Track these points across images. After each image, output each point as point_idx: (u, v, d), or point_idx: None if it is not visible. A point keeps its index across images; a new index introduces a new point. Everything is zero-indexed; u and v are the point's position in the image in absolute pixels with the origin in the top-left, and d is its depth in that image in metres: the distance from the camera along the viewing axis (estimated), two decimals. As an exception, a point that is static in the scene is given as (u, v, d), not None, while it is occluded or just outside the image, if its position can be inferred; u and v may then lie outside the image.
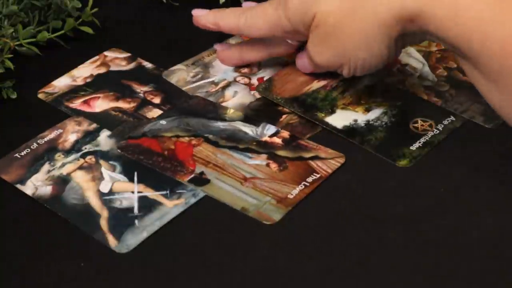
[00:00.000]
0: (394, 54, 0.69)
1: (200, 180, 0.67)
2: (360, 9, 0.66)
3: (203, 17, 0.75)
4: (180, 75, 0.77)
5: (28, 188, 0.67)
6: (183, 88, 0.76)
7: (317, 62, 0.71)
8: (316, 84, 0.75)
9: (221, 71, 0.78)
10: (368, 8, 0.66)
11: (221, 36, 0.81)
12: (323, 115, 0.72)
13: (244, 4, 0.77)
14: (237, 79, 0.77)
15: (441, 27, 0.63)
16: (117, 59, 0.80)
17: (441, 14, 0.63)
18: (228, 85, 0.76)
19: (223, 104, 0.74)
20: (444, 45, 0.65)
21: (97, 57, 0.80)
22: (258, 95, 0.75)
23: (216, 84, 0.76)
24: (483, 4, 0.62)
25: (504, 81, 0.62)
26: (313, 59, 0.71)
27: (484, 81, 0.64)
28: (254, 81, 0.77)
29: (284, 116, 0.73)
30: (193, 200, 0.66)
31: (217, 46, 0.78)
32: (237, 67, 0.78)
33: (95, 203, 0.66)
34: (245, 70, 0.78)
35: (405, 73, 0.76)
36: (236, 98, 0.75)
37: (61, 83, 0.77)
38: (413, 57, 0.78)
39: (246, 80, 0.77)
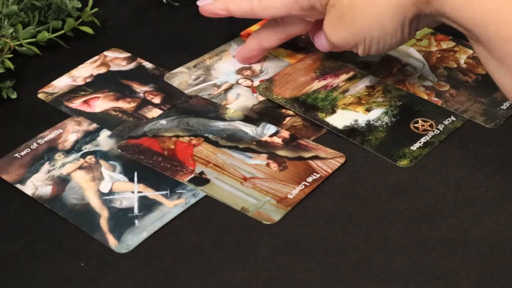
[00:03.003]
0: (409, 36, 0.69)
1: (200, 180, 0.67)
2: None
3: (211, 4, 0.75)
4: (182, 78, 0.77)
5: (28, 188, 0.67)
6: (185, 91, 0.76)
7: (333, 41, 0.71)
8: (317, 84, 0.75)
9: (223, 73, 0.78)
10: None
11: (221, 36, 0.81)
12: (323, 115, 0.72)
13: None
14: (239, 81, 0.77)
15: (457, 10, 0.63)
16: (117, 59, 0.80)
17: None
18: (230, 87, 0.76)
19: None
20: (459, 28, 0.65)
21: (97, 57, 0.80)
22: (261, 98, 0.75)
23: (218, 86, 0.76)
24: None
25: None
26: (329, 38, 0.71)
27: (496, 65, 0.64)
28: (257, 83, 0.77)
29: (287, 119, 0.73)
30: (193, 200, 0.66)
31: (234, 52, 0.78)
32: (239, 70, 0.78)
33: (95, 203, 0.66)
34: (247, 72, 0.78)
35: (405, 73, 0.76)
36: (239, 101, 0.75)
37: (61, 83, 0.77)
38: (413, 57, 0.78)
39: (249, 82, 0.77)
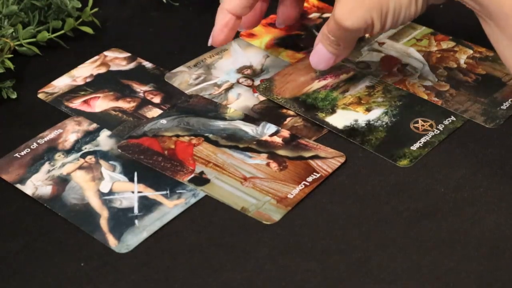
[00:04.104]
0: (421, 9, 0.68)
1: (200, 180, 0.67)
2: None
3: (214, 28, 0.74)
4: (183, 77, 0.77)
5: (28, 188, 0.67)
6: (186, 91, 0.76)
7: (348, 25, 0.68)
8: (317, 84, 0.75)
9: (223, 72, 0.78)
10: None
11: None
12: (323, 115, 0.72)
13: None
14: (240, 80, 0.77)
15: None
16: (117, 59, 0.80)
17: None
18: (231, 87, 0.76)
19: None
20: (470, 4, 0.65)
21: (97, 57, 0.80)
22: (261, 97, 0.75)
23: (219, 86, 0.76)
24: None
25: None
26: (344, 23, 0.68)
27: (508, 44, 0.64)
28: (257, 82, 0.77)
29: (288, 119, 0.73)
30: (193, 200, 0.66)
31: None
32: (240, 68, 0.78)
33: (95, 203, 0.66)
34: (248, 71, 0.78)
35: (405, 73, 0.76)
36: (240, 101, 0.75)
37: (61, 83, 0.77)
38: (413, 57, 0.78)
39: (249, 81, 0.77)
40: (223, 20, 0.73)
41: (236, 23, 0.74)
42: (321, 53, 0.72)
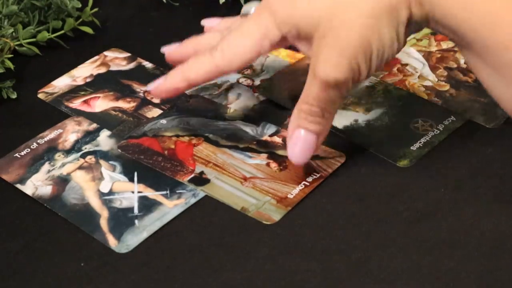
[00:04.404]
0: (403, 44, 0.64)
1: (200, 180, 0.67)
2: (361, 2, 0.61)
3: (165, 82, 0.68)
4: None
5: (28, 188, 0.67)
6: (186, 91, 0.76)
7: (337, 78, 0.62)
8: (316, 84, 0.75)
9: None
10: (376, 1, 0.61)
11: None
12: (323, 115, 0.72)
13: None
14: (240, 80, 0.77)
15: (449, 13, 0.60)
16: (117, 59, 0.80)
17: (451, 0, 0.59)
18: (231, 87, 0.76)
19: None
20: (448, 34, 0.62)
21: (97, 57, 0.80)
22: (261, 97, 0.75)
23: (219, 86, 0.76)
24: None
25: None
26: (331, 78, 0.62)
27: (490, 73, 0.61)
28: (258, 82, 0.77)
29: (288, 119, 0.72)
30: (193, 200, 0.66)
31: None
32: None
33: (95, 203, 0.66)
34: (248, 71, 0.78)
35: (405, 73, 0.76)
36: (240, 101, 0.75)
37: (61, 83, 0.77)
38: (413, 57, 0.78)
39: (249, 81, 0.77)
40: (177, 84, 0.68)
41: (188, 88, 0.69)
42: (303, 139, 0.64)
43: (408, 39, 0.80)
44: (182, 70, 0.67)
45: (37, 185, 0.67)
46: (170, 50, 0.71)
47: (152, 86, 0.68)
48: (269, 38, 0.64)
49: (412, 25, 0.62)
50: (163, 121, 0.72)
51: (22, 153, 0.70)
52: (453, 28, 0.60)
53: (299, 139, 0.64)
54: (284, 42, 0.64)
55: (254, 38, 0.64)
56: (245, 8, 0.70)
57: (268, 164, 0.68)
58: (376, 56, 0.62)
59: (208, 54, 0.65)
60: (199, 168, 0.68)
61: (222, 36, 0.66)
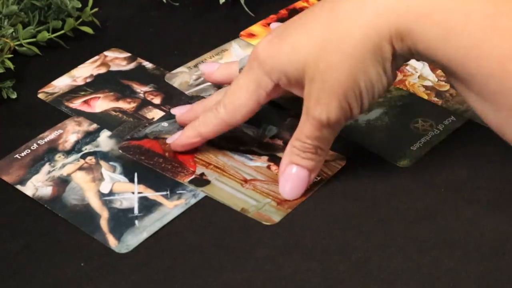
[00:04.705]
0: (392, 77, 0.63)
1: (201, 181, 0.67)
2: (347, 39, 0.61)
3: (181, 137, 0.69)
4: (183, 78, 0.77)
5: (28, 189, 0.67)
6: (186, 92, 0.76)
7: (329, 118, 0.62)
8: (316, 84, 0.75)
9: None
10: (355, 35, 0.61)
11: (221, 36, 0.81)
12: (323, 115, 0.72)
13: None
14: (239, 80, 0.77)
15: (432, 47, 0.60)
16: (117, 59, 0.80)
17: (432, 34, 0.59)
18: (231, 87, 0.76)
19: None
20: (435, 64, 0.62)
21: (97, 57, 0.80)
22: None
23: (219, 87, 0.76)
24: (477, 23, 0.58)
25: (502, 100, 0.59)
26: (324, 119, 0.63)
27: (477, 99, 0.61)
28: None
29: (289, 120, 0.72)
30: (193, 201, 0.66)
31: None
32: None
33: (95, 203, 0.66)
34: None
35: (405, 73, 0.76)
36: (240, 100, 0.75)
37: (61, 83, 0.77)
38: (413, 57, 0.78)
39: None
40: (192, 139, 0.69)
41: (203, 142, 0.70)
42: (295, 175, 0.65)
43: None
44: (194, 127, 0.68)
45: (38, 186, 0.67)
46: (181, 112, 0.72)
47: (171, 140, 0.70)
48: (263, 88, 0.65)
49: (398, 59, 0.62)
50: (165, 124, 0.72)
51: (22, 154, 0.70)
52: (439, 61, 0.60)
53: (291, 175, 0.65)
54: (280, 89, 0.65)
55: (250, 90, 0.65)
56: (241, 62, 0.71)
57: (268, 167, 0.68)
58: (366, 94, 0.62)
59: (214, 110, 0.67)
60: (199, 170, 0.68)
61: (225, 92, 0.68)
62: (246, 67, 0.66)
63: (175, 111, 0.73)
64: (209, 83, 0.76)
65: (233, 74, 0.72)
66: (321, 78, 0.62)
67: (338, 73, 0.61)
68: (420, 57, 0.61)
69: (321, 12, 0.62)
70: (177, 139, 0.69)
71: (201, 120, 0.68)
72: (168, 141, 0.70)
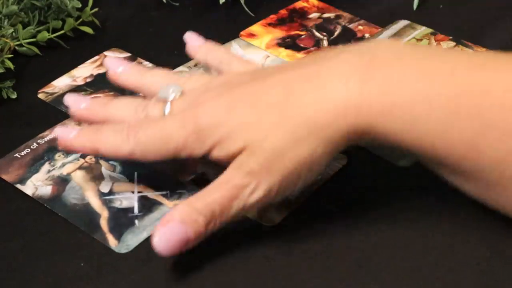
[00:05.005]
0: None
1: (201, 181, 0.67)
2: (299, 131, 0.57)
3: (76, 139, 0.62)
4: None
5: (28, 188, 0.67)
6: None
7: (251, 196, 0.58)
8: (316, 84, 0.75)
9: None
10: (309, 128, 0.57)
11: (221, 36, 0.81)
12: (323, 115, 0.72)
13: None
14: (239, 80, 0.77)
15: (398, 139, 0.57)
16: (117, 59, 0.80)
17: (397, 127, 0.56)
18: (230, 86, 0.76)
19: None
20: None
21: (97, 57, 0.80)
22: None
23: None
24: (441, 109, 0.56)
25: (479, 176, 0.58)
26: (245, 191, 0.58)
27: (453, 176, 0.59)
28: (256, 81, 0.77)
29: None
30: (193, 200, 0.66)
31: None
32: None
33: (95, 203, 0.66)
34: (247, 70, 0.78)
35: (405, 73, 0.76)
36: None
37: (61, 83, 0.78)
38: (413, 57, 0.78)
39: (248, 81, 0.77)
40: (84, 149, 0.63)
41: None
42: (176, 232, 0.57)
43: (408, 39, 0.80)
44: (93, 140, 0.62)
45: (37, 185, 0.67)
46: (79, 106, 0.65)
47: (60, 133, 0.62)
48: (188, 150, 0.60)
49: (351, 141, 0.59)
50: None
51: (22, 153, 0.70)
52: (404, 148, 0.58)
53: (172, 228, 0.57)
54: (204, 156, 0.60)
55: (173, 145, 0.59)
56: (162, 92, 0.63)
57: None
58: (303, 182, 0.59)
59: (125, 134, 0.60)
60: (200, 169, 0.68)
61: (144, 114, 0.62)
62: (178, 118, 0.60)
63: (70, 100, 0.65)
64: None
65: (145, 84, 0.66)
66: (263, 154, 0.57)
67: (284, 158, 0.57)
68: (387, 144, 0.59)
69: (276, 96, 0.58)
70: (69, 140, 0.62)
71: (105, 136, 0.61)
72: (58, 132, 0.62)
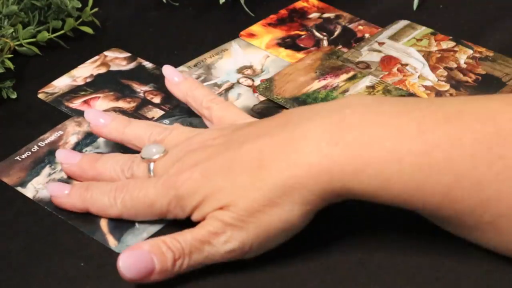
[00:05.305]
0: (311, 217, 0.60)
1: None
2: (274, 197, 0.58)
3: (66, 198, 0.64)
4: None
5: (28, 191, 0.67)
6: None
7: (227, 243, 0.59)
8: (317, 84, 0.75)
9: (223, 72, 0.78)
10: (285, 192, 0.58)
11: (221, 36, 0.81)
12: (323, 115, 0.72)
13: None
14: (240, 80, 0.77)
15: (373, 196, 0.58)
16: (117, 59, 0.80)
17: (371, 186, 0.57)
18: (231, 87, 0.76)
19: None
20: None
21: (97, 57, 0.80)
22: (262, 97, 0.75)
23: (219, 86, 0.76)
24: (412, 166, 0.56)
25: (458, 222, 0.58)
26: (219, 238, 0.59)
27: (435, 221, 0.60)
28: (258, 82, 0.77)
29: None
30: (193, 201, 0.66)
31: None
32: (240, 68, 0.78)
33: (95, 204, 0.66)
34: (248, 71, 0.78)
35: (405, 73, 0.76)
36: (240, 101, 0.75)
37: (61, 83, 0.78)
38: (413, 57, 0.78)
39: (249, 81, 0.77)
40: (75, 208, 0.64)
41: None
42: (144, 260, 0.58)
43: (408, 39, 0.80)
44: (83, 200, 0.64)
45: (38, 188, 0.67)
46: (69, 162, 0.67)
47: (52, 191, 0.65)
48: (173, 215, 0.62)
49: (329, 200, 0.59)
50: (166, 121, 0.72)
51: (23, 156, 0.70)
52: (380, 202, 0.59)
53: (139, 255, 0.58)
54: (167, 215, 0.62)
55: (158, 210, 0.61)
56: (146, 151, 0.64)
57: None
58: (277, 241, 0.60)
59: (112, 198, 0.63)
60: None
61: (130, 173, 0.64)
62: (161, 184, 0.61)
63: (60, 156, 0.67)
64: (209, 82, 0.76)
65: (127, 138, 0.67)
66: (237, 211, 0.58)
67: (260, 218, 0.58)
68: (364, 200, 0.59)
69: (249, 163, 0.59)
70: (60, 200, 0.64)
71: (94, 198, 0.63)
72: (50, 189, 0.65)
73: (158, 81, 0.77)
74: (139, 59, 0.80)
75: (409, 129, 0.57)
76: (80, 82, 0.77)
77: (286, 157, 0.58)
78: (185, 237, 0.59)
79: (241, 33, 0.82)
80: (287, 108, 0.73)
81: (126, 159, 0.66)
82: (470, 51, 0.78)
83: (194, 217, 0.61)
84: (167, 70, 0.72)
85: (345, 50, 0.80)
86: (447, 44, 0.80)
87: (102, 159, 0.66)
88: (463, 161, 0.56)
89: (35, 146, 0.71)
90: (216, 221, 0.59)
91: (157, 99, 0.75)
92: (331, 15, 0.85)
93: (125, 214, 0.63)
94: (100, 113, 0.69)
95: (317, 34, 0.82)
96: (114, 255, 0.61)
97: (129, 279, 0.58)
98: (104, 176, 0.65)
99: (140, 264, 0.58)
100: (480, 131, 0.56)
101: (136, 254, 0.58)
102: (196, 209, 0.60)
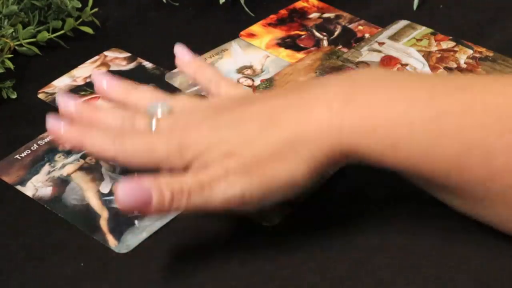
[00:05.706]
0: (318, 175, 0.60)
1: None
2: (283, 153, 0.58)
3: (65, 132, 0.63)
4: (183, 77, 0.77)
5: (28, 189, 0.67)
6: (186, 91, 0.76)
7: (225, 198, 0.58)
8: (316, 84, 0.75)
9: (224, 72, 0.78)
10: (295, 150, 0.58)
11: (221, 36, 0.81)
12: (323, 115, 0.72)
13: None
14: (240, 80, 0.77)
15: (382, 160, 0.58)
16: (117, 59, 0.80)
17: (380, 148, 0.57)
18: (231, 86, 0.76)
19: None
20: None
21: (97, 57, 0.80)
22: (261, 97, 0.75)
23: None
24: (422, 130, 0.56)
25: (465, 193, 0.58)
26: (218, 194, 0.58)
27: (440, 192, 0.60)
28: (258, 82, 0.77)
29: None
30: (193, 201, 0.66)
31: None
32: (240, 68, 0.78)
33: (95, 203, 0.66)
34: (248, 71, 0.78)
35: (405, 73, 0.76)
36: (239, 101, 0.75)
37: (61, 83, 0.78)
38: (413, 57, 0.78)
39: (249, 81, 0.77)
40: (70, 142, 0.63)
41: None
42: (143, 193, 0.57)
43: (408, 39, 0.80)
44: (81, 136, 0.62)
45: (38, 186, 0.67)
46: (69, 106, 0.66)
47: (51, 124, 0.63)
48: (170, 164, 0.60)
49: (336, 161, 0.59)
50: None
51: (23, 155, 0.70)
52: (388, 167, 0.59)
53: (137, 186, 0.57)
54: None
55: (156, 157, 0.60)
56: (152, 108, 0.63)
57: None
58: (279, 198, 0.60)
59: (112, 139, 0.61)
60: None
61: (130, 125, 0.64)
62: (166, 135, 0.61)
63: (60, 97, 0.66)
64: None
65: (132, 100, 0.67)
66: (243, 160, 0.58)
67: (265, 169, 0.58)
68: (370, 164, 0.59)
69: (259, 120, 0.59)
70: (59, 131, 0.63)
71: (93, 136, 0.62)
72: (49, 123, 0.63)
73: (158, 81, 0.77)
74: (139, 59, 0.80)
75: (421, 95, 0.58)
76: (80, 82, 0.78)
77: (297, 114, 0.58)
78: (186, 179, 0.58)
79: (241, 33, 0.82)
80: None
81: (129, 110, 0.65)
82: (470, 51, 0.78)
83: (195, 166, 0.59)
84: (179, 48, 0.71)
85: (345, 50, 0.80)
86: (447, 44, 0.80)
87: (104, 107, 0.66)
88: (474, 130, 0.56)
89: (35, 145, 0.71)
90: (220, 166, 0.58)
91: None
92: (331, 15, 0.85)
93: (121, 156, 0.61)
94: (105, 74, 0.68)
95: (317, 34, 0.82)
96: (114, 255, 0.62)
97: (125, 206, 0.56)
98: (102, 123, 0.64)
99: (137, 193, 0.56)
100: (491, 102, 0.56)
101: (135, 184, 0.57)
102: (198, 158, 0.59)
